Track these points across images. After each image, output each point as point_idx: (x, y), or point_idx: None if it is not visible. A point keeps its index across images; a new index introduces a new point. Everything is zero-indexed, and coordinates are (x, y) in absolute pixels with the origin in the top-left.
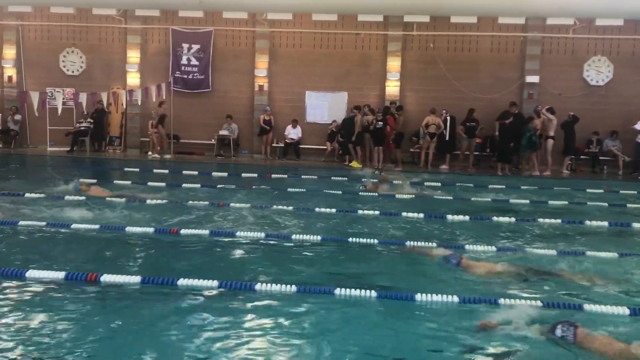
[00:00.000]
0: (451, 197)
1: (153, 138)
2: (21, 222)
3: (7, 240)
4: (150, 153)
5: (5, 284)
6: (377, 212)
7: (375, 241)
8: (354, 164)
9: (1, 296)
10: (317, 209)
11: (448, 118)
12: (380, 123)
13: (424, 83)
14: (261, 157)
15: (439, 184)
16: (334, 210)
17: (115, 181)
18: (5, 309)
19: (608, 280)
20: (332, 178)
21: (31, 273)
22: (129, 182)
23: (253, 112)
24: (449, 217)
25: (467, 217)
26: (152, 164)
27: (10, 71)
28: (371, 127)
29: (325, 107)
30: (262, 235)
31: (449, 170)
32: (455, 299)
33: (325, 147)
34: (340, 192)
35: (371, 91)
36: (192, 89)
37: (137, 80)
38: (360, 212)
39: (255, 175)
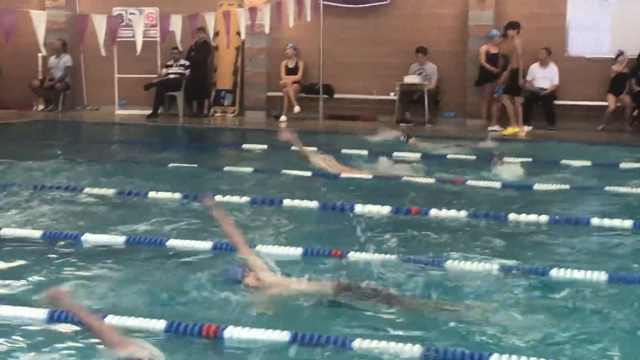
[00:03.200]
0: None
1: (289, 92)
2: None
3: None
4: (283, 117)
5: None
6: None
7: None
8: None
9: None
10: None
11: None
12: None
13: None
14: (481, 125)
15: None
16: None
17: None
18: None
19: None
20: None
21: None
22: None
23: (466, 42)
24: None
25: None
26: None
27: None
28: None
29: (605, 25)
30: None
31: None
32: None
33: (604, 104)
34: None
35: None
36: (355, 3)
37: None
38: None
39: None
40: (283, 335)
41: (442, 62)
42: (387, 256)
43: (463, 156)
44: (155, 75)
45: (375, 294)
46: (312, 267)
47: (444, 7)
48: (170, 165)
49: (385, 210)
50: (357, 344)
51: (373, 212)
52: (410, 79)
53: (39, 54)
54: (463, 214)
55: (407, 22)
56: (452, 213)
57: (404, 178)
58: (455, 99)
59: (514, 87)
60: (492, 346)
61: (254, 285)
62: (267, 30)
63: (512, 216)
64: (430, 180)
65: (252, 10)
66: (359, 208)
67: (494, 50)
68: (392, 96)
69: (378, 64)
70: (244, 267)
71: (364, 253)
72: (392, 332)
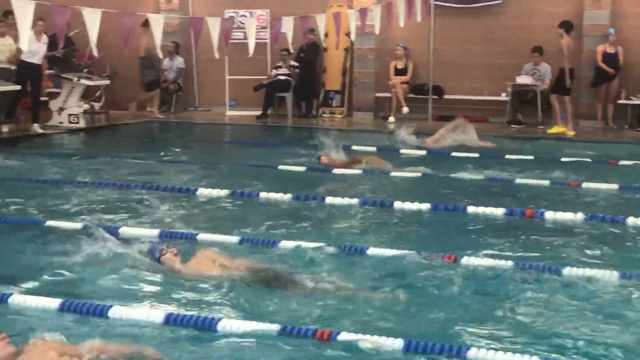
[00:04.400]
0: None
1: (398, 93)
2: None
3: None
4: (392, 118)
5: None
6: None
7: None
8: None
9: None
10: None
11: None
12: None
13: None
14: (597, 126)
15: None
16: None
17: None
18: None
19: None
20: None
21: None
22: None
23: (581, 41)
24: None
25: None
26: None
27: None
28: None
29: None
30: None
31: None
32: None
33: None
34: None
35: None
36: (466, 3)
37: None
38: None
39: None
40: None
41: (556, 63)
42: (502, 261)
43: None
44: (265, 77)
45: (289, 282)
46: (419, 271)
47: (559, 6)
48: (280, 166)
49: (500, 211)
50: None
51: (487, 213)
52: (523, 79)
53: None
54: (580, 216)
55: (520, 22)
56: (569, 216)
57: (516, 180)
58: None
59: (561, 86)
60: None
61: (170, 265)
62: (377, 31)
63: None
64: (544, 182)
65: (363, 11)
66: (471, 209)
67: (610, 50)
68: (503, 97)
69: (489, 64)
70: (163, 247)
71: (477, 258)
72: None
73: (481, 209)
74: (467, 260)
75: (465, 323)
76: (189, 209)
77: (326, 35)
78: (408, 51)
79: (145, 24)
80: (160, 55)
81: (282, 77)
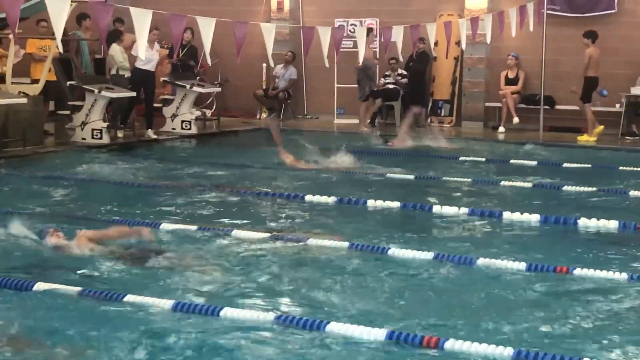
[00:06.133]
0: None
1: (508, 102)
2: None
3: None
4: (501, 128)
5: None
6: None
7: None
8: None
9: None
10: None
11: None
12: None
13: None
14: None
15: None
16: None
17: None
18: None
19: None
20: None
21: None
22: None
23: None
24: None
25: None
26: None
27: None
28: None
29: None
30: None
31: None
32: None
33: None
34: None
35: None
36: (580, 12)
37: (483, 0)
38: None
39: None
40: None
41: None
42: (612, 273)
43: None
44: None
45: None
46: (535, 284)
47: None
48: (388, 175)
49: (612, 224)
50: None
51: (599, 225)
52: (638, 90)
53: (264, 64)
54: None
55: (635, 32)
56: None
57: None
58: None
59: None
60: None
61: (54, 243)
62: (488, 40)
63: None
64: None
65: (474, 20)
66: (582, 222)
67: None
68: (617, 108)
69: (603, 75)
70: (49, 230)
71: (590, 270)
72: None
73: (593, 222)
74: (580, 272)
75: (582, 336)
76: (297, 214)
77: (436, 44)
78: (519, 60)
79: None
80: (272, 64)
81: (390, 86)
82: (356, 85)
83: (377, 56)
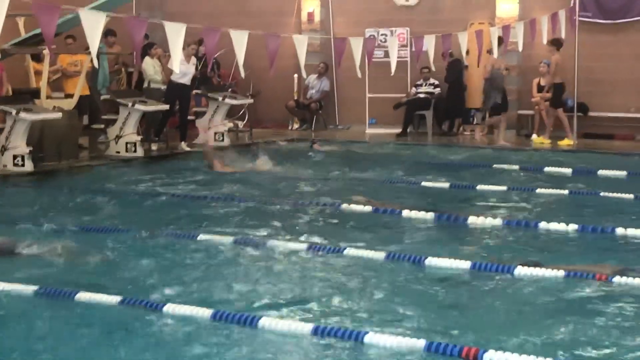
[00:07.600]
0: None
1: (541, 111)
2: None
3: None
4: (535, 137)
5: None
6: None
7: None
8: None
9: None
10: None
11: None
12: None
13: None
14: None
15: None
16: None
17: None
18: None
19: None
20: None
21: None
22: None
23: None
24: None
25: None
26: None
27: (311, 4)
28: None
29: None
30: None
31: None
32: None
33: None
34: None
35: None
36: (613, 18)
37: (514, 7)
38: None
39: None
40: None
41: None
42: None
43: None
44: (404, 95)
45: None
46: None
47: None
48: (422, 183)
49: None
50: None
51: (637, 235)
52: None
53: (295, 75)
54: None
55: None
56: None
57: None
58: None
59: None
60: None
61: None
62: (519, 48)
63: None
64: None
65: (505, 29)
66: (620, 231)
67: None
68: None
69: (637, 81)
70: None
71: (630, 278)
72: None
73: (630, 231)
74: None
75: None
76: (334, 223)
77: (467, 52)
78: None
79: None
80: (304, 75)
81: (422, 95)
82: (388, 95)
83: (506, 67)
